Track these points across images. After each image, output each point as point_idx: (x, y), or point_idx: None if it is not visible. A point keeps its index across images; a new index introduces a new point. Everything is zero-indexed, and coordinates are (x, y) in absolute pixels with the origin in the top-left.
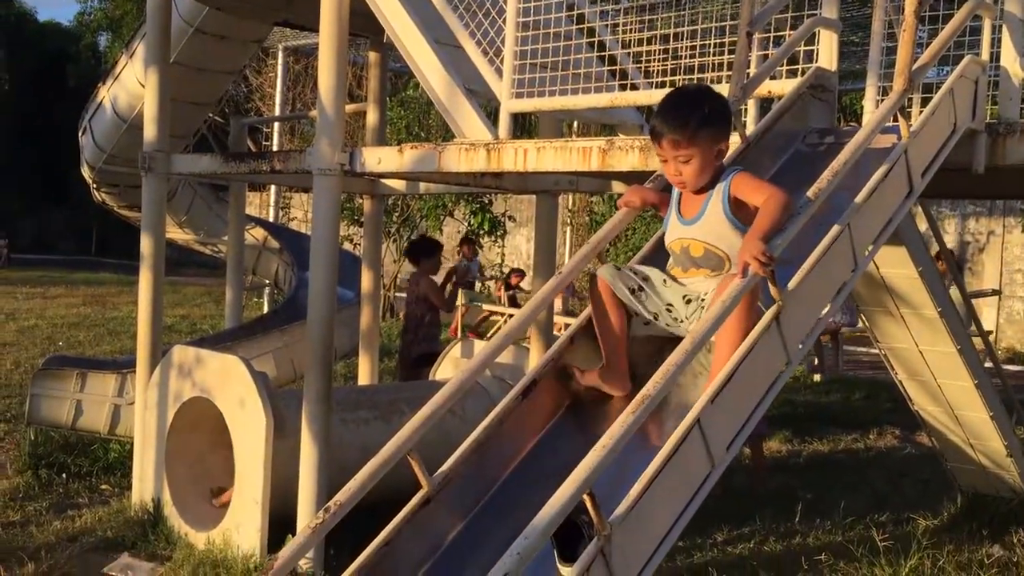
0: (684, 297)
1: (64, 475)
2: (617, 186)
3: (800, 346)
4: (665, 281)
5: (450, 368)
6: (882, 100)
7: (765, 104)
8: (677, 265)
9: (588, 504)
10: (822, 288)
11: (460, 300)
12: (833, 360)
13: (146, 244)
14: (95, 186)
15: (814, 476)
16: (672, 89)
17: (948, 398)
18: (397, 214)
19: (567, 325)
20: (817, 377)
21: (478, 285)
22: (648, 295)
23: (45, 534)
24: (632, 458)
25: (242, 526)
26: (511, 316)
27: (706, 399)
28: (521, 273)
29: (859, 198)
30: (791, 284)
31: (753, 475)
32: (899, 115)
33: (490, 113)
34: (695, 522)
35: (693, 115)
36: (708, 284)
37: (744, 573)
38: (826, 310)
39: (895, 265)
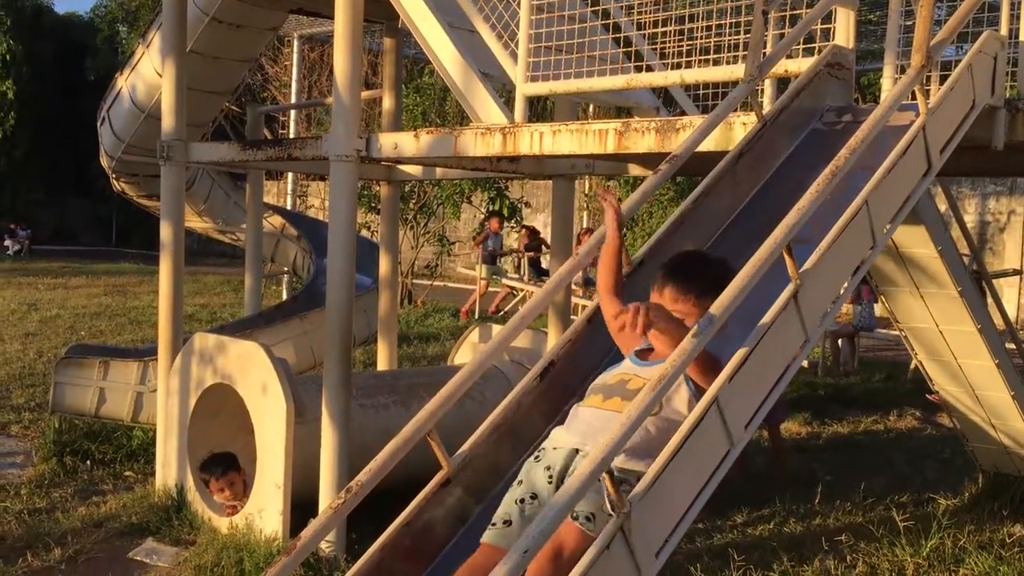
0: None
1: (88, 462)
2: (634, 169)
3: (819, 325)
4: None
5: (468, 352)
6: (900, 78)
7: (781, 84)
8: (598, 393)
9: (607, 483)
10: (840, 266)
11: (482, 274)
12: (849, 360)
13: (165, 232)
14: (114, 176)
15: (834, 458)
16: (686, 251)
17: (969, 378)
18: (414, 201)
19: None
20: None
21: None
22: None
23: (71, 520)
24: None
25: (264, 510)
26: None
27: (724, 378)
28: (532, 229)
29: (877, 176)
30: (808, 263)
31: (772, 457)
32: (917, 92)
33: (505, 98)
34: (714, 504)
35: (706, 280)
36: (606, 425)
37: (764, 554)
38: (843, 290)
39: (914, 244)
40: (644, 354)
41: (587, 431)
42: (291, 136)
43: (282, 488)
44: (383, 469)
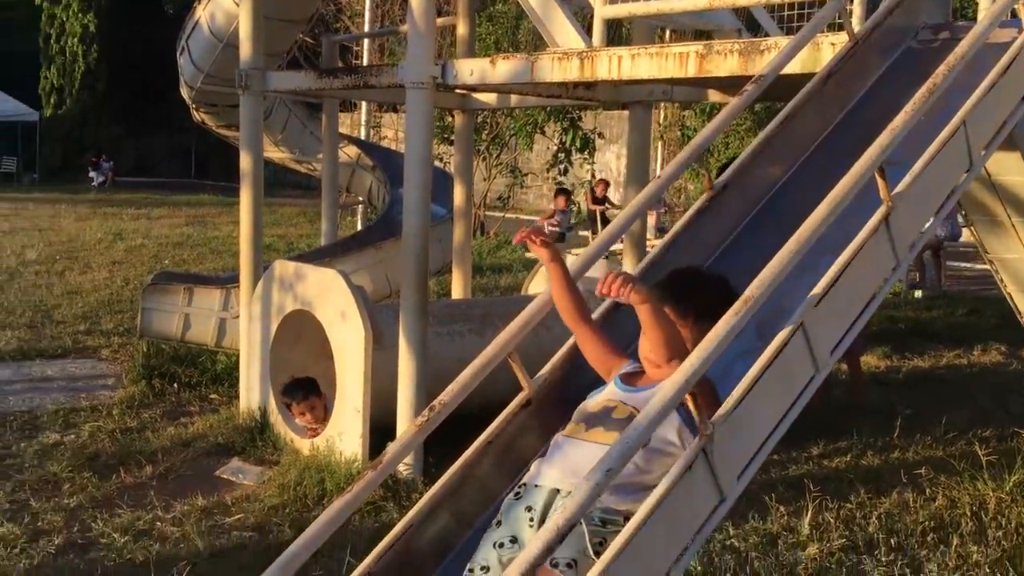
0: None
1: (175, 385)
2: (713, 95)
3: (909, 250)
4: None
5: (542, 283)
6: None
7: (872, 2)
8: (580, 422)
9: (690, 403)
10: (934, 190)
11: None
12: (935, 276)
13: (245, 161)
14: (194, 107)
15: (914, 392)
16: (681, 268)
17: None
18: (486, 132)
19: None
20: (918, 293)
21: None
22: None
23: (160, 439)
24: (733, 363)
25: (344, 433)
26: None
27: (810, 302)
28: (605, 183)
29: (977, 94)
30: (901, 185)
31: (850, 390)
32: (1019, 7)
33: (584, 23)
34: (790, 436)
35: (700, 300)
36: (590, 459)
37: (840, 486)
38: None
39: (1009, 172)
40: (630, 378)
41: (568, 467)
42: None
43: (361, 412)
44: (465, 389)
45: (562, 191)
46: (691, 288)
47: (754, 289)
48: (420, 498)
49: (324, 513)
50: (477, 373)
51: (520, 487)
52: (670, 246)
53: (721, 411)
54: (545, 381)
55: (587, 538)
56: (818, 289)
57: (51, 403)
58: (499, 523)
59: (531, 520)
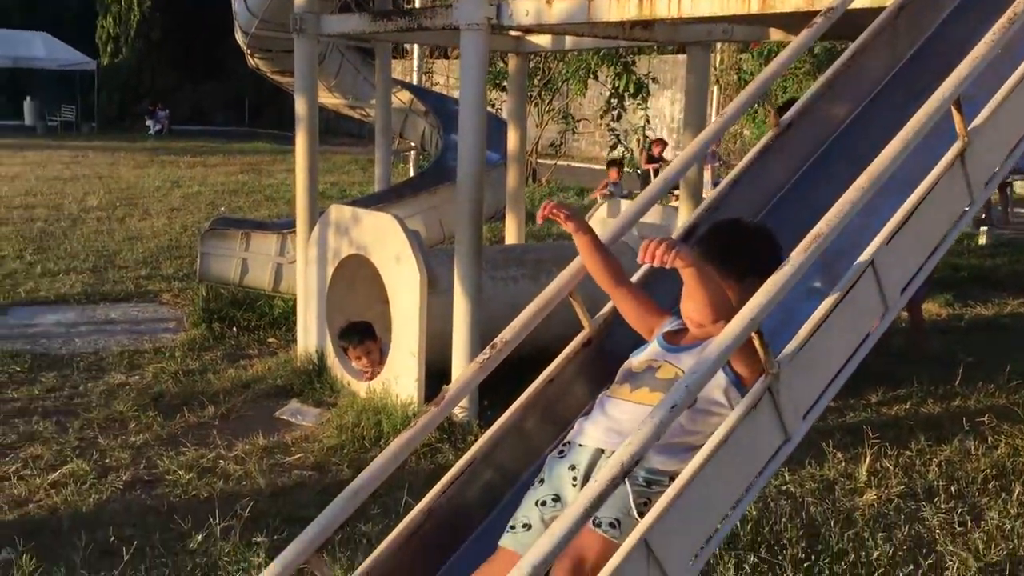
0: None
1: (234, 328)
2: (775, 34)
3: (985, 187)
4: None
5: (597, 228)
6: None
7: None
8: (625, 382)
9: (756, 342)
10: (1012, 125)
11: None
12: (1002, 213)
13: (300, 105)
14: (249, 53)
15: (976, 340)
16: (723, 221)
17: None
18: (539, 77)
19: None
20: (983, 233)
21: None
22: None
23: (221, 381)
24: (797, 304)
25: (400, 376)
26: None
27: (881, 239)
28: (663, 142)
29: None
30: (979, 119)
31: (910, 337)
32: None
33: None
34: (848, 383)
35: (744, 257)
36: (633, 420)
37: (900, 433)
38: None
39: None
40: (673, 337)
41: (612, 427)
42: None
43: (417, 356)
44: (525, 328)
45: (614, 163)
46: (735, 243)
47: (824, 225)
48: (475, 441)
49: (388, 447)
50: (539, 311)
51: (564, 445)
52: (734, 184)
53: (788, 349)
54: (605, 321)
55: (631, 498)
56: (890, 226)
57: (115, 345)
58: (542, 481)
59: (574, 479)
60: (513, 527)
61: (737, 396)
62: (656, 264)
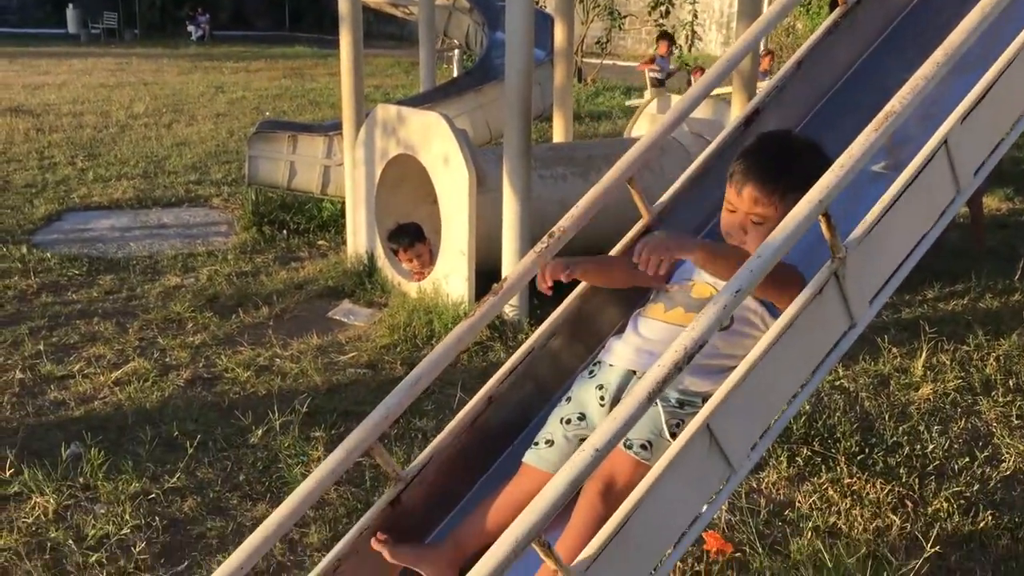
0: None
1: (284, 231)
2: None
3: None
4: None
5: (646, 124)
6: None
7: None
8: (660, 302)
9: (824, 225)
10: None
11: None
12: None
13: (343, 3)
14: None
15: None
16: (771, 133)
17: None
18: None
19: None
20: None
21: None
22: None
23: (274, 282)
24: (865, 188)
25: (450, 276)
26: None
27: (956, 118)
28: (703, 71)
29: None
30: None
31: (969, 232)
32: None
33: None
34: (903, 279)
35: (791, 174)
36: (666, 341)
37: (957, 328)
38: None
39: None
40: None
41: (644, 347)
42: None
43: (467, 255)
44: (585, 215)
45: (665, 35)
46: (782, 159)
47: (897, 103)
48: (526, 339)
49: (449, 335)
50: (597, 198)
51: (594, 364)
52: (799, 64)
53: (856, 233)
54: (665, 208)
55: (663, 419)
56: (964, 105)
57: (169, 248)
58: (569, 399)
59: (601, 399)
60: (536, 444)
61: (770, 320)
62: (663, 272)
